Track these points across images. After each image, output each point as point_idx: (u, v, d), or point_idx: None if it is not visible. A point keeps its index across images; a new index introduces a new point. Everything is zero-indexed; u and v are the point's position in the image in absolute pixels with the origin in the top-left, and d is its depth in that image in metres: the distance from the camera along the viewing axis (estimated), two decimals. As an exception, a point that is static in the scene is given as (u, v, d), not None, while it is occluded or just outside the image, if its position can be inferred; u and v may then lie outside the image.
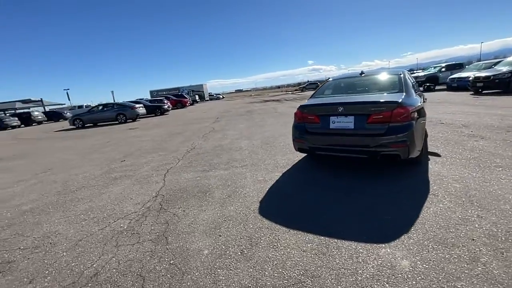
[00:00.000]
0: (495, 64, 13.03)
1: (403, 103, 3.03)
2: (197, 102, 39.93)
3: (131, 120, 17.41)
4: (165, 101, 23.18)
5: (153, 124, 14.06)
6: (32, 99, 45.35)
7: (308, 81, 57.08)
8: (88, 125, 17.39)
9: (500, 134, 4.69)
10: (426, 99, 5.71)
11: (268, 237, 2.29)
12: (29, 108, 39.41)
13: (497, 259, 1.73)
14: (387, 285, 1.62)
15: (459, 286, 1.56)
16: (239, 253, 2.10)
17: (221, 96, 58.43)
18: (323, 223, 2.41)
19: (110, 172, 4.99)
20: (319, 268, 1.83)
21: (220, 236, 2.39)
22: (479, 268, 1.67)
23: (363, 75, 4.23)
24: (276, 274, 1.82)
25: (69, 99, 45.18)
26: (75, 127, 17.17)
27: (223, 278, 1.84)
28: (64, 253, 2.36)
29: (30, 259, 2.32)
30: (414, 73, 23.59)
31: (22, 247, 2.53)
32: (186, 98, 31.49)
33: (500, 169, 3.19)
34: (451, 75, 15.60)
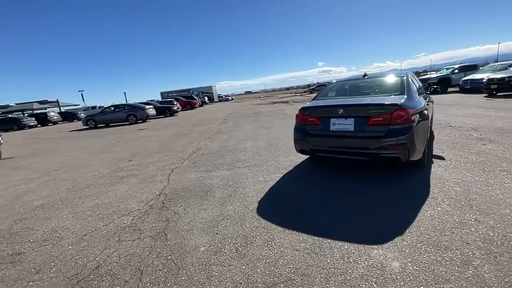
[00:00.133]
0: (511, 65, 12.62)
1: (403, 106, 3.02)
2: (206, 103, 40.39)
3: (141, 121, 17.80)
4: (175, 103, 23.60)
5: (162, 125, 14.35)
6: (49, 100, 47.11)
7: (317, 83, 56.73)
8: (100, 125, 17.92)
9: (510, 138, 4.57)
10: (432, 101, 5.63)
11: (264, 236, 2.34)
12: (45, 109, 40.88)
13: (490, 263, 1.72)
14: (375, 285, 1.64)
15: (447, 289, 1.56)
16: (234, 251, 2.16)
17: (230, 98, 58.84)
18: (319, 224, 2.44)
19: (118, 171, 5.16)
20: (310, 267, 1.86)
21: (217, 234, 2.46)
22: (470, 271, 1.67)
23: (366, 77, 4.23)
24: (267, 272, 1.87)
25: (83, 100, 46.59)
26: (88, 127, 17.73)
27: (217, 274, 1.90)
28: (70, 247, 2.48)
29: (38, 251, 2.45)
30: (426, 74, 23.10)
31: (32, 240, 2.68)
32: (196, 99, 31.92)
33: (505, 173, 3.13)
34: (464, 76, 15.19)
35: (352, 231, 2.26)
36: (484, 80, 11.78)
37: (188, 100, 30.46)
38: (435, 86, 6.43)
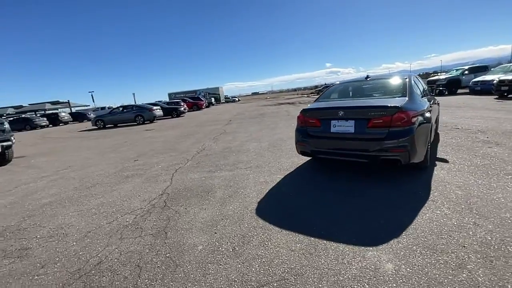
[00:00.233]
0: (523, 66, 12.30)
1: (403, 108, 3.01)
2: (213, 104, 40.69)
3: (149, 122, 18.08)
4: (182, 104, 23.87)
5: (169, 126, 14.55)
6: (60, 100, 48.32)
7: (325, 84, 56.41)
8: (109, 126, 18.29)
9: (517, 141, 4.48)
10: (438, 103, 5.55)
11: (261, 236, 2.37)
12: (57, 109, 41.96)
13: (485, 267, 1.71)
14: (367, 286, 1.65)
15: (440, 291, 1.56)
16: (231, 250, 2.20)
17: (236, 99, 59.13)
18: (317, 225, 2.46)
19: (123, 170, 5.28)
20: (304, 267, 1.89)
21: (215, 233, 2.50)
22: (464, 275, 1.66)
23: (368, 79, 4.21)
24: (262, 271, 1.90)
25: (93, 101, 47.72)
26: (97, 127, 18.12)
27: (212, 272, 1.94)
28: (74, 243, 2.57)
29: (44, 247, 2.55)
30: (435, 75, 22.67)
31: (38, 236, 2.79)
32: (202, 100, 32.22)
33: (509, 177, 3.07)
34: (474, 78, 14.89)
35: (349, 233, 2.27)
36: (495, 81, 11.52)
37: (195, 101, 30.77)
38: (440, 88, 6.35)
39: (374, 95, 3.89)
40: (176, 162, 5.55)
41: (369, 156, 3.17)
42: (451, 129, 6.07)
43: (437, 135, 5.57)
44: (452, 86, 16.55)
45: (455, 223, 2.24)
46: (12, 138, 7.03)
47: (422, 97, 3.93)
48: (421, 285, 1.61)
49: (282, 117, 12.80)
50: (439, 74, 25.53)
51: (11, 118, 30.05)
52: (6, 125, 6.94)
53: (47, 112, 35.70)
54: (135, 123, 17.80)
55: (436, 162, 3.84)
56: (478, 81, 13.87)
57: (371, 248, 2.02)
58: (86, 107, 49.26)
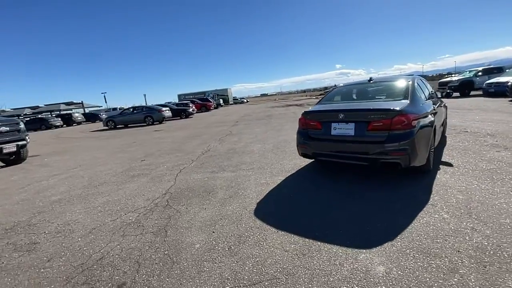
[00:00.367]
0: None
1: (404, 111, 3.00)
2: (221, 105, 41.02)
3: (158, 122, 18.42)
4: (190, 105, 24.19)
5: (177, 127, 14.79)
6: (74, 101, 49.79)
7: (334, 85, 55.95)
8: (119, 126, 18.75)
9: (527, 145, 4.35)
10: (445, 106, 5.47)
11: (257, 236, 2.42)
12: (71, 110, 43.29)
13: (477, 272, 1.70)
14: (356, 287, 1.67)
15: (429, 295, 1.57)
16: (227, 249, 2.26)
17: (245, 100, 59.37)
18: (313, 226, 2.48)
19: (130, 170, 5.43)
20: (295, 267, 1.92)
21: (213, 232, 2.57)
22: (455, 279, 1.66)
23: (371, 81, 4.20)
24: (255, 270, 1.94)
25: (105, 102, 48.95)
26: (108, 128, 18.60)
27: (207, 269, 2.00)
28: (79, 239, 2.69)
29: (51, 242, 2.68)
30: (448, 77, 22.12)
31: (47, 232, 2.92)
32: (211, 102, 32.56)
33: (514, 182, 3.01)
34: (488, 79, 14.46)
35: (344, 235, 2.29)
36: (509, 83, 11.17)
37: (204, 102, 31.13)
38: (448, 91, 6.23)
39: (376, 97, 3.88)
40: (181, 162, 5.67)
41: (369, 159, 3.16)
42: (459, 132, 5.95)
43: (444, 138, 5.47)
44: (464, 88, 16.14)
45: (452, 228, 2.22)
46: (27, 137, 7.34)
47: (426, 100, 3.88)
48: (411, 288, 1.62)
49: (289, 118, 12.80)
50: (452, 75, 24.88)
51: (28, 118, 31.28)
52: (21, 125, 7.25)
53: (61, 112, 36.89)
54: (145, 124, 18.18)
55: (440, 166, 3.79)
56: (492, 83, 13.47)
57: (364, 250, 2.03)
58: (98, 108, 50.61)
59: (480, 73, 16.23)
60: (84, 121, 31.84)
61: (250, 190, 3.60)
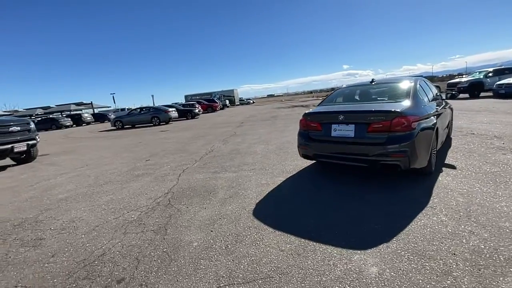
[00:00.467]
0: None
1: (403, 113, 2.99)
2: (227, 106, 41.22)
3: (164, 123, 18.66)
4: (196, 106, 24.42)
5: (182, 127, 14.96)
6: (84, 102, 50.83)
7: (342, 86, 55.46)
8: (127, 126, 19.06)
9: (534, 148, 4.26)
10: (451, 108, 5.40)
11: (254, 236, 2.45)
12: (81, 110, 44.22)
13: (471, 275, 1.69)
14: (348, 287, 1.69)
15: (421, 296, 1.57)
16: (224, 248, 2.30)
17: (251, 101, 59.49)
18: (310, 227, 2.50)
19: (135, 169, 5.54)
20: (290, 267, 1.95)
21: (212, 231, 2.61)
22: (448, 282, 1.65)
23: (373, 83, 4.19)
24: (249, 268, 1.98)
25: (114, 102, 49.86)
26: (116, 128, 18.94)
27: (203, 267, 2.05)
28: (83, 236, 2.77)
29: (56, 238, 2.77)
30: (460, 77, 21.68)
31: (52, 228, 3.02)
32: (217, 102, 32.76)
33: (518, 185, 2.96)
34: (499, 80, 14.13)
35: (340, 236, 2.30)
36: (521, 84, 10.91)
37: (210, 103, 31.35)
38: (453, 92, 6.17)
39: (378, 99, 3.87)
40: (184, 162, 5.75)
41: (369, 161, 3.16)
42: (465, 134, 5.85)
43: (449, 140, 5.40)
44: (474, 89, 15.81)
45: (450, 231, 2.21)
46: (37, 137, 7.55)
47: (429, 101, 3.85)
48: (402, 289, 1.63)
49: (294, 120, 12.78)
50: (463, 76, 24.38)
51: (39, 118, 32.08)
52: (32, 125, 7.48)
53: (71, 113, 37.72)
54: (152, 124, 18.45)
55: (443, 168, 3.75)
56: (503, 84, 13.16)
57: (358, 251, 2.04)
58: (107, 108, 51.52)
59: (490, 74, 15.88)
60: (93, 121, 32.49)
61: (250, 190, 3.64)
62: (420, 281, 1.68)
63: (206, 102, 31.14)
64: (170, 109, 19.24)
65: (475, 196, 2.78)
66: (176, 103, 28.44)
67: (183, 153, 6.93)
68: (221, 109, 34.66)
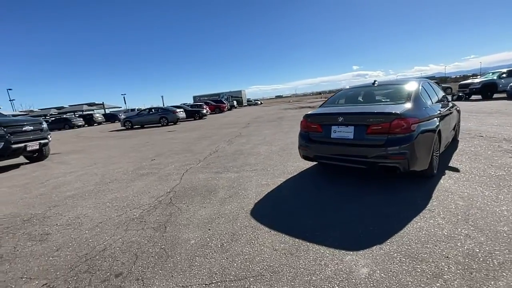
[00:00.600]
0: None
1: (403, 115, 2.98)
2: (235, 107, 41.41)
3: (172, 123, 18.95)
4: (204, 106, 24.67)
5: (189, 128, 15.16)
6: (96, 102, 52.14)
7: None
8: (136, 126, 19.45)
9: (544, 151, 4.14)
10: (458, 110, 5.31)
11: (249, 235, 2.49)
12: (93, 110, 45.38)
13: (462, 278, 1.68)
14: (337, 287, 1.71)
15: (409, 298, 1.58)
16: (219, 246, 2.35)
17: (259, 102, 59.58)
18: (306, 227, 2.52)
19: (140, 169, 5.68)
20: (281, 266, 1.98)
21: (209, 230, 2.67)
22: (438, 284, 1.65)
23: (375, 84, 4.17)
24: (242, 266, 2.02)
25: (125, 103, 50.85)
26: (125, 128, 19.36)
27: (198, 264, 2.11)
28: (86, 231, 2.88)
29: (62, 233, 2.89)
30: (475, 78, 21.10)
31: (59, 224, 3.15)
32: (224, 103, 32.98)
33: (522, 189, 2.89)
34: (514, 81, 13.73)
35: (334, 237, 2.31)
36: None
37: (217, 104, 31.60)
38: (460, 94, 6.01)
39: (379, 101, 3.85)
40: (188, 162, 5.85)
41: (368, 163, 3.15)
42: (473, 136, 5.72)
43: (456, 142, 5.30)
44: (487, 90, 15.38)
45: (446, 234, 2.19)
46: (49, 136, 7.83)
47: (432, 103, 3.80)
48: (391, 291, 1.64)
49: (299, 121, 12.73)
50: (477, 76, 23.71)
51: (53, 118, 33.13)
52: (44, 125, 7.76)
53: (83, 113, 38.77)
54: (160, 125, 18.76)
55: (446, 171, 3.69)
56: (517, 85, 12.77)
57: (351, 252, 2.06)
58: (118, 109, 52.68)
59: (504, 75, 15.41)
60: (104, 121, 33.28)
61: (250, 190, 3.68)
62: (410, 283, 1.69)
63: (213, 103, 31.41)
64: (178, 110, 19.53)
65: (476, 200, 2.74)
66: (184, 104, 28.83)
67: (188, 153, 7.05)
68: (229, 110, 34.86)
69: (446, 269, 1.78)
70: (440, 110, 3.79)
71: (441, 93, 4.61)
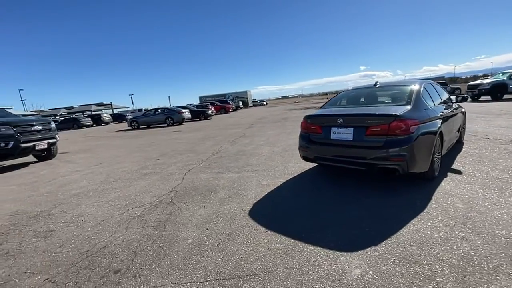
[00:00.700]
0: None
1: (402, 116, 2.96)
2: (240, 108, 41.54)
3: (178, 123, 19.15)
4: (209, 107, 24.84)
5: (194, 128, 15.29)
6: (104, 102, 53.04)
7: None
8: (142, 126, 19.72)
9: (551, 154, 4.05)
10: (463, 112, 5.24)
11: (246, 235, 2.52)
12: (101, 111, 46.17)
13: (455, 281, 1.67)
14: (328, 287, 1.72)
15: (400, 300, 1.58)
16: (216, 245, 2.39)
17: (264, 103, 59.60)
18: (303, 228, 2.54)
19: (144, 168, 5.77)
20: (275, 265, 2.01)
21: (207, 229, 2.71)
22: (430, 286, 1.65)
23: (377, 86, 4.15)
24: (237, 265, 2.05)
25: (132, 103, 51.62)
26: (132, 128, 19.65)
27: (194, 262, 2.15)
28: (89, 229, 2.96)
29: (65, 230, 2.98)
30: (485, 78, 20.68)
31: (63, 221, 3.24)
32: (230, 104, 33.13)
33: (524, 192, 2.85)
34: (525, 82, 13.41)
35: (330, 238, 2.33)
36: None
37: (223, 104, 31.76)
38: (464, 95, 5.91)
39: (379, 102, 3.83)
40: (191, 162, 5.92)
41: (367, 164, 3.15)
42: (479, 138, 5.63)
43: (460, 144, 5.22)
44: (497, 91, 15.06)
45: (442, 236, 2.18)
46: (57, 136, 8.02)
47: (435, 105, 3.77)
48: (382, 292, 1.64)
49: (304, 122, 12.73)
50: (488, 77, 23.22)
51: (63, 118, 33.86)
52: (52, 125, 7.95)
53: (92, 113, 39.49)
54: (166, 125, 18.98)
55: (448, 173, 3.65)
56: (528, 86, 12.47)
57: (345, 253, 2.07)
58: (126, 109, 53.46)
59: (515, 75, 15.07)
60: (111, 121, 33.83)
61: (250, 191, 3.71)
62: (402, 284, 1.69)
63: (219, 104, 31.58)
64: (184, 110, 19.72)
65: (476, 203, 2.71)
66: (191, 104, 29.08)
67: (192, 153, 7.13)
68: (234, 110, 35.00)
69: (439, 271, 1.77)
70: (442, 112, 3.75)
71: (444, 95, 4.56)
